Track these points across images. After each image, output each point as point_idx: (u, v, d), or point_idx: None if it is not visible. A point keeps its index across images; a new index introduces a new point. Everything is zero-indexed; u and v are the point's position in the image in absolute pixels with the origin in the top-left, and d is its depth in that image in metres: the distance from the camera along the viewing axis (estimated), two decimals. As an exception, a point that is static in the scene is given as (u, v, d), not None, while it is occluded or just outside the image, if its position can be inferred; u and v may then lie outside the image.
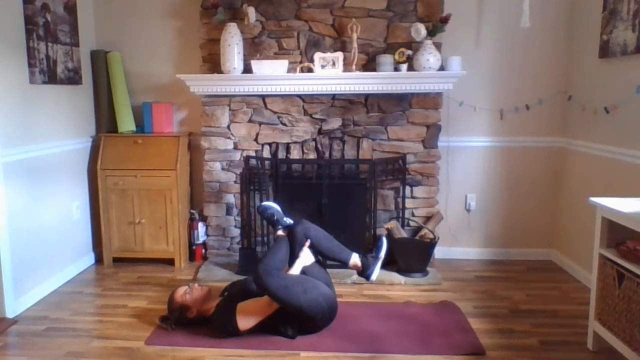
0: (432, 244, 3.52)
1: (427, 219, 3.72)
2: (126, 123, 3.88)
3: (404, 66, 3.51)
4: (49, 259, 3.38)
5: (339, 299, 2.86)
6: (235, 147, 3.78)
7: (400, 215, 3.69)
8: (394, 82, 3.50)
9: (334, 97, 3.67)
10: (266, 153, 3.76)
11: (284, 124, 3.72)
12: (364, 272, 2.86)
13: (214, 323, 2.71)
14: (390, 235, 3.50)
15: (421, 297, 3.23)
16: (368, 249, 3.61)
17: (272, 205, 3.11)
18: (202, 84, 3.62)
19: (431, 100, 3.63)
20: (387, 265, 3.48)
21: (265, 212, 3.07)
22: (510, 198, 3.91)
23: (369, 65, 3.64)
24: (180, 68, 3.90)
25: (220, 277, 3.51)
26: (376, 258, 2.88)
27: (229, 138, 3.77)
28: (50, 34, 3.34)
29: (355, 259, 2.87)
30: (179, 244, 3.81)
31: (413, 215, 3.75)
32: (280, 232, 2.94)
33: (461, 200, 3.95)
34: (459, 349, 2.56)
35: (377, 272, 2.87)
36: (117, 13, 3.96)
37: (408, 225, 3.71)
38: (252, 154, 3.76)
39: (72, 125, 3.65)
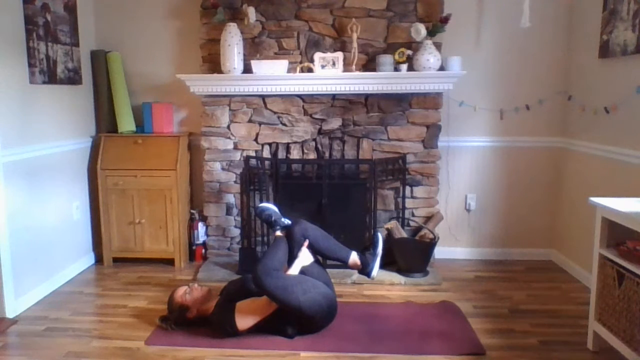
0: (432, 244, 3.52)
1: (427, 219, 3.72)
2: (126, 123, 3.88)
3: (404, 66, 3.51)
4: (49, 259, 3.38)
5: (339, 299, 2.86)
6: (235, 147, 3.78)
7: (400, 215, 3.69)
8: (394, 82, 3.50)
9: (334, 97, 3.67)
10: (266, 153, 3.76)
11: (284, 124, 3.72)
12: (364, 269, 2.87)
13: (213, 322, 2.71)
14: (390, 235, 3.51)
15: (421, 297, 3.23)
16: (365, 247, 3.60)
17: (270, 206, 3.11)
18: (202, 84, 3.62)
19: (431, 100, 3.63)
20: (387, 265, 3.49)
21: (263, 214, 3.07)
22: (510, 198, 3.91)
23: (369, 65, 3.64)
24: (180, 68, 3.90)
25: (220, 277, 3.51)
26: (374, 255, 2.89)
27: (229, 138, 3.77)
28: (50, 34, 3.34)
29: (354, 257, 2.88)
30: (179, 244, 3.81)
31: (413, 215, 3.75)
32: (278, 233, 2.94)
33: (461, 200, 3.95)
34: (459, 349, 2.56)
35: (377, 269, 2.88)
36: (117, 13, 3.96)
37: (408, 225, 3.71)
38: (252, 154, 3.76)
39: (72, 125, 3.65)
